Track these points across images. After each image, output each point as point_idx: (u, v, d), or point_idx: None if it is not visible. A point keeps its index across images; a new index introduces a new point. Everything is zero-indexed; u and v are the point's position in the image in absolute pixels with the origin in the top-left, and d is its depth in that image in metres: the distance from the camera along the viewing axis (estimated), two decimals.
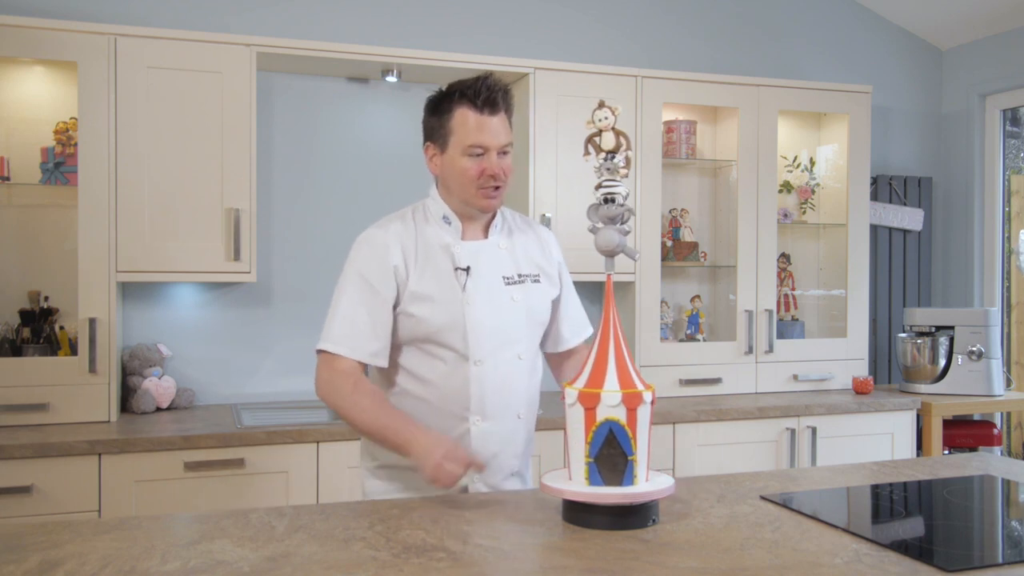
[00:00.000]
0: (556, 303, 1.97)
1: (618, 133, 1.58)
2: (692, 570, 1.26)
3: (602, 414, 1.44)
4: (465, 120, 1.78)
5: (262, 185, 3.22)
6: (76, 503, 2.50)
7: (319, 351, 1.81)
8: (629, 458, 1.45)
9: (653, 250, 3.43)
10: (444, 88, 1.84)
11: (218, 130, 2.90)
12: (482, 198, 1.81)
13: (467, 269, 1.83)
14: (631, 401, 1.44)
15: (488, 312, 1.81)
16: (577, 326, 2.02)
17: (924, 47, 4.30)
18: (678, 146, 3.62)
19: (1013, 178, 4.16)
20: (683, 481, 1.79)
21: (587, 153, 1.60)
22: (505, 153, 1.82)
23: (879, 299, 4.10)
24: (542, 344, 1.99)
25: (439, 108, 1.83)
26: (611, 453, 1.44)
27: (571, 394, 1.46)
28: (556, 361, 2.03)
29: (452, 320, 1.79)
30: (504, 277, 1.86)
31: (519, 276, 1.88)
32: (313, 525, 1.47)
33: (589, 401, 1.44)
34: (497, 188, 1.81)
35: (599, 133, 1.58)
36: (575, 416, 1.46)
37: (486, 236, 1.89)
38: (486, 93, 1.78)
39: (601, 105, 1.58)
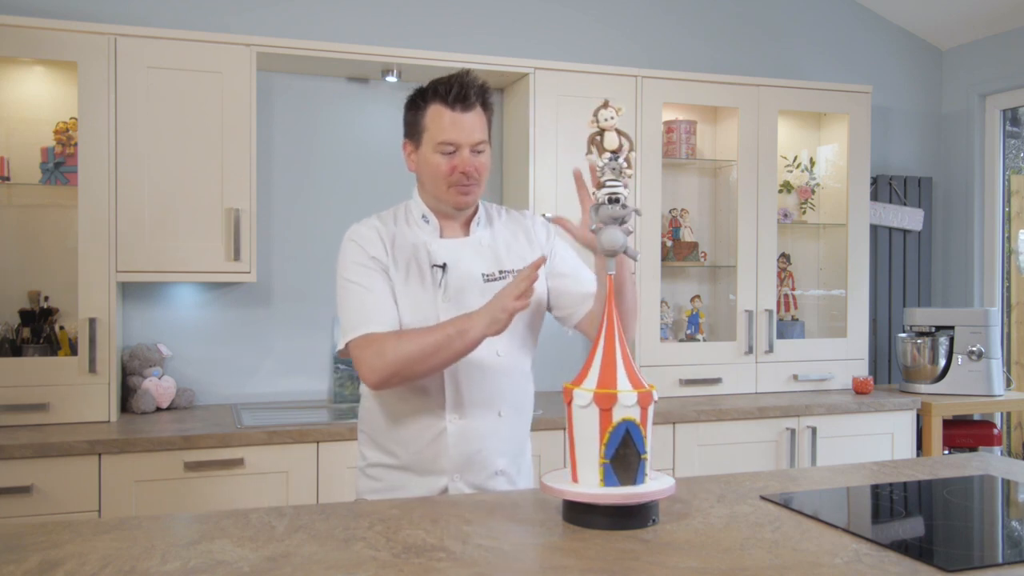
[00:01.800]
0: (566, 284, 1.90)
1: (620, 133, 1.58)
2: (692, 570, 1.26)
3: (618, 415, 1.43)
4: (437, 117, 1.79)
5: (262, 185, 3.22)
6: (76, 503, 2.50)
7: (348, 344, 1.77)
8: (642, 457, 1.46)
9: (653, 250, 3.43)
10: (423, 86, 1.85)
11: (218, 130, 2.90)
12: (454, 195, 1.81)
13: (443, 266, 1.83)
14: (645, 400, 1.45)
15: (463, 309, 1.78)
16: (590, 286, 1.89)
17: (924, 47, 4.30)
18: (678, 146, 3.62)
19: (1013, 178, 4.16)
20: (683, 481, 1.79)
21: (589, 152, 1.60)
22: (479, 151, 1.81)
23: (879, 299, 4.10)
24: (568, 322, 1.91)
25: (414, 105, 1.85)
26: (627, 453, 1.44)
27: (584, 396, 1.43)
28: (589, 321, 1.89)
29: (426, 318, 1.78)
30: (483, 274, 1.85)
31: (500, 272, 1.86)
32: (313, 525, 1.46)
33: (606, 402, 1.42)
34: (469, 185, 1.81)
35: (601, 132, 1.57)
36: (588, 418, 1.43)
37: (467, 233, 1.89)
38: (458, 89, 1.78)
39: (606, 104, 1.57)
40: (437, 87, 1.81)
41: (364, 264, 1.81)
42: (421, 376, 1.75)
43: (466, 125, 1.79)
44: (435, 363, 1.72)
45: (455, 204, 1.83)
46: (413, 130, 1.85)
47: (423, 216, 1.87)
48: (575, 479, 1.47)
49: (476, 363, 1.80)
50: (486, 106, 1.85)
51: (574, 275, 1.92)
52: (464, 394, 1.82)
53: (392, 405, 1.84)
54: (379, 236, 1.84)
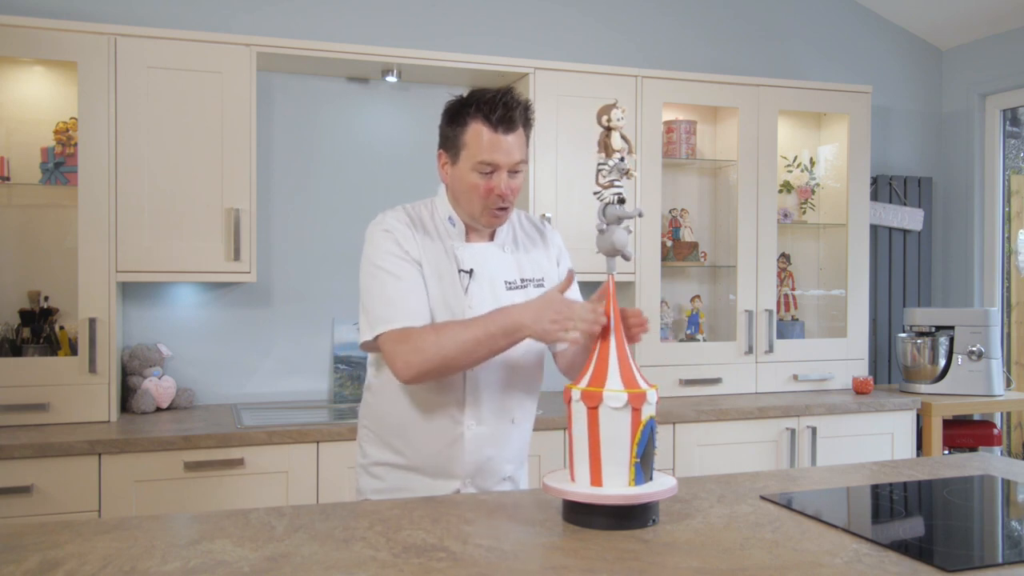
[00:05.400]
0: None
1: (623, 136, 1.59)
2: (692, 570, 1.26)
3: (646, 413, 1.45)
4: (479, 136, 1.74)
5: (262, 185, 3.22)
6: (76, 503, 2.50)
7: (379, 336, 1.74)
8: (655, 451, 1.48)
9: (653, 250, 3.42)
10: (464, 96, 1.80)
11: (218, 130, 2.90)
12: (487, 216, 1.80)
13: (470, 272, 1.82)
14: (656, 396, 1.48)
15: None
16: None
17: (924, 47, 4.30)
18: (678, 146, 3.62)
19: (1013, 178, 4.16)
20: (683, 481, 1.79)
21: (601, 151, 1.60)
22: (516, 172, 1.78)
23: (879, 299, 4.10)
24: (554, 344, 1.94)
25: (455, 118, 1.78)
26: (650, 450, 1.47)
27: (619, 397, 1.43)
28: (562, 359, 1.96)
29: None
30: (506, 281, 1.84)
31: (521, 281, 1.86)
32: (313, 525, 1.47)
33: (638, 401, 1.44)
34: (504, 208, 1.79)
35: (609, 133, 1.58)
36: (621, 419, 1.43)
37: (491, 238, 1.88)
38: (503, 111, 1.73)
39: (615, 105, 1.58)
40: (481, 104, 1.74)
41: (397, 255, 1.78)
42: (456, 372, 1.74)
43: (506, 147, 1.74)
44: (474, 360, 1.70)
45: (486, 224, 1.82)
46: (450, 144, 1.80)
47: (449, 218, 1.85)
48: (598, 483, 1.46)
49: (498, 372, 1.81)
50: (528, 125, 1.81)
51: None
52: (484, 401, 1.81)
53: (409, 406, 1.83)
54: (411, 231, 1.81)
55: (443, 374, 1.72)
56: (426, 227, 1.84)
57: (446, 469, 1.82)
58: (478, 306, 1.79)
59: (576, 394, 1.47)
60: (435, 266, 1.81)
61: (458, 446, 1.81)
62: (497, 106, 1.73)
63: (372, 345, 1.78)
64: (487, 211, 1.79)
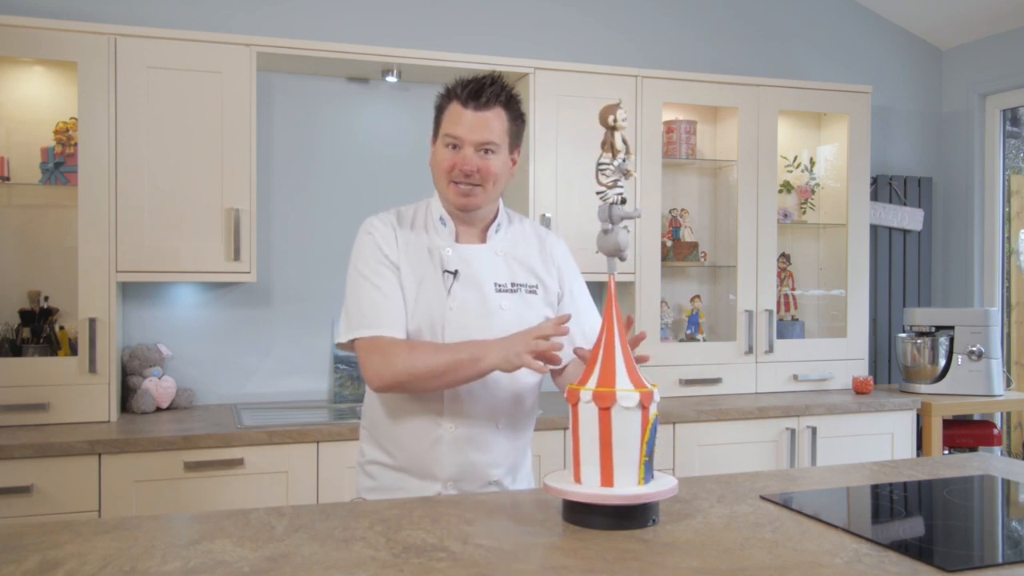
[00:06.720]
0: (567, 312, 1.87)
1: (623, 137, 1.59)
2: (692, 570, 1.26)
3: (652, 411, 1.46)
4: (450, 113, 1.80)
5: (262, 185, 3.22)
6: (76, 503, 2.50)
7: (355, 341, 1.77)
8: (656, 450, 1.50)
9: (653, 250, 3.42)
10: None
11: (218, 130, 2.90)
12: (453, 194, 1.79)
13: (454, 273, 1.81)
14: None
15: (471, 317, 1.78)
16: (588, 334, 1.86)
17: (924, 47, 4.30)
18: (678, 146, 3.62)
19: (1013, 178, 4.16)
20: (683, 481, 1.79)
21: (607, 151, 1.59)
22: (487, 152, 1.78)
23: (879, 299, 4.10)
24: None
25: (438, 102, 1.85)
26: (654, 448, 1.48)
27: (632, 397, 1.43)
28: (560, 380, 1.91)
29: (432, 322, 1.78)
30: (496, 284, 1.82)
31: (512, 285, 1.84)
32: (313, 525, 1.46)
33: (648, 400, 1.45)
34: (470, 186, 1.78)
35: (612, 133, 1.57)
36: (632, 419, 1.44)
37: (483, 240, 1.87)
38: (473, 87, 1.77)
39: (620, 106, 1.58)
40: (456, 84, 1.80)
41: (379, 260, 1.79)
42: (424, 392, 1.75)
43: (474, 123, 1.76)
44: (441, 384, 1.72)
45: (455, 204, 1.81)
46: (434, 126, 1.86)
47: (440, 218, 1.85)
48: (608, 483, 1.45)
49: None
50: (509, 111, 1.81)
51: (576, 318, 1.85)
52: (463, 403, 1.80)
53: (392, 405, 1.83)
54: (394, 233, 1.82)
55: (413, 390, 1.74)
56: (415, 227, 1.85)
57: (429, 470, 1.81)
58: (458, 307, 1.79)
59: (586, 395, 1.46)
60: (417, 266, 1.81)
61: (438, 448, 1.80)
62: (469, 84, 1.78)
63: (348, 347, 1.81)
64: (452, 188, 1.79)
